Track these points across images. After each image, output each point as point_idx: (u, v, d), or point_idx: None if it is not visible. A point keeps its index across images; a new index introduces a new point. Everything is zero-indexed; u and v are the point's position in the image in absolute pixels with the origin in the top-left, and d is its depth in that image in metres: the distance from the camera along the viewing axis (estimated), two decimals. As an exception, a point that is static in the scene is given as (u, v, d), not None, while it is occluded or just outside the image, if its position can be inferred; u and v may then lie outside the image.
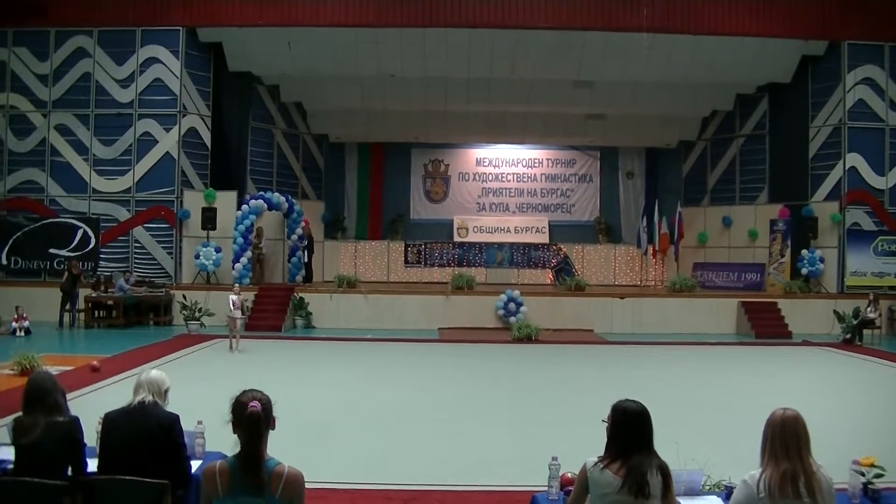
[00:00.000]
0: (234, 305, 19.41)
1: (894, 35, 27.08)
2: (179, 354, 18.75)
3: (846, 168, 27.17)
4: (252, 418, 4.32)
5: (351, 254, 31.97)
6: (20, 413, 5.58)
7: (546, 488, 5.68)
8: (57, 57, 26.99)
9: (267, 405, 4.50)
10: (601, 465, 4.56)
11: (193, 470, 5.90)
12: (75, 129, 26.91)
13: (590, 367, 18.57)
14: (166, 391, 5.82)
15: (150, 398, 5.64)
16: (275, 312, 24.66)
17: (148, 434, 5.49)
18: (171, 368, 15.75)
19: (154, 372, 5.84)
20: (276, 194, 27.47)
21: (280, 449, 10.26)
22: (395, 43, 27.03)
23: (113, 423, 5.57)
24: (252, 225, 26.44)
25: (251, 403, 4.38)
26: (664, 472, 4.53)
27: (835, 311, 25.09)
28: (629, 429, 4.61)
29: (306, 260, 27.68)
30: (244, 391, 4.58)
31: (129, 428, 5.51)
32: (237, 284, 20.57)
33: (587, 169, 35.47)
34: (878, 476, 5.82)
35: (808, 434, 4.62)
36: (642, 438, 4.58)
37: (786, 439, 4.53)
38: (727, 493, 5.68)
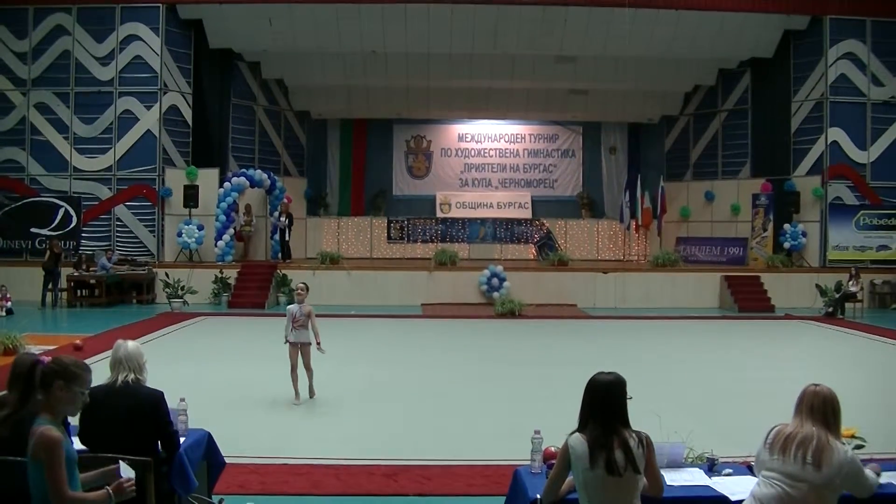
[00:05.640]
0: (294, 321, 11.64)
1: (876, 10, 27.13)
2: (163, 332, 18.71)
3: (828, 142, 27.23)
4: None
5: (334, 230, 31.91)
6: (4, 391, 5.57)
7: (529, 462, 5.70)
8: (36, 35, 26.72)
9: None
10: (579, 436, 4.58)
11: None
12: (55, 107, 26.70)
13: (573, 342, 18.62)
14: (144, 364, 5.85)
15: (132, 376, 5.67)
16: (257, 290, 24.63)
17: (134, 412, 5.51)
18: (154, 346, 15.79)
19: (130, 345, 5.85)
20: (259, 171, 27.42)
21: (265, 423, 10.30)
22: (376, 18, 26.88)
23: (96, 401, 5.55)
24: (235, 202, 26.39)
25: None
26: (625, 445, 4.52)
27: (817, 285, 25.24)
28: (593, 401, 4.64)
29: (287, 238, 27.55)
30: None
31: (115, 407, 5.53)
32: (303, 284, 12.17)
33: (570, 144, 35.45)
34: (859, 447, 5.84)
35: (840, 412, 4.74)
36: (603, 411, 4.59)
37: (812, 404, 4.68)
38: (709, 465, 5.72)
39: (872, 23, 27.22)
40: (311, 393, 11.80)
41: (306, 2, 26.32)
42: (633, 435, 4.57)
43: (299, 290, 11.96)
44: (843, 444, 4.67)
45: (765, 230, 27.87)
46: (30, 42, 26.75)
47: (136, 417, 5.51)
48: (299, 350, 11.60)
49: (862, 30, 27.28)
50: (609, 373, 4.75)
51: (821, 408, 4.64)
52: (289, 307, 11.87)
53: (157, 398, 5.70)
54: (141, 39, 26.65)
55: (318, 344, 11.57)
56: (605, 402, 4.61)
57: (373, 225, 32.25)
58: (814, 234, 27.45)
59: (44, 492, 4.36)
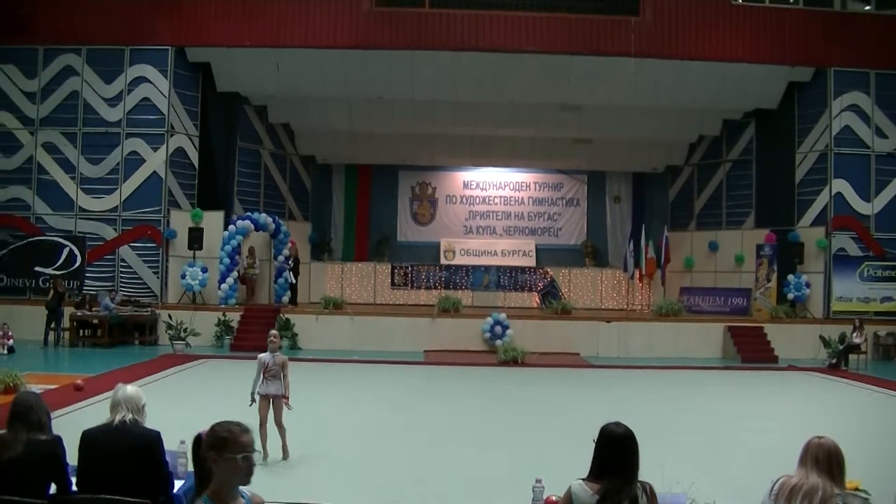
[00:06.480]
0: (265, 371, 10.80)
1: (879, 62, 27.29)
2: (164, 374, 18.64)
3: (832, 194, 27.26)
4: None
5: (337, 275, 31.94)
6: (3, 430, 5.55)
7: (530, 510, 5.66)
8: (45, 75, 26.92)
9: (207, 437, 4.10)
10: (584, 486, 4.55)
11: (176, 489, 5.88)
12: (62, 147, 26.82)
13: (576, 391, 18.54)
14: (144, 406, 5.80)
15: (129, 416, 5.63)
16: (260, 333, 24.50)
17: (131, 452, 5.48)
18: (155, 388, 15.74)
19: (130, 388, 5.82)
20: (263, 215, 27.48)
21: (265, 467, 10.22)
22: (382, 65, 27.06)
23: (94, 441, 5.55)
24: (239, 245, 26.43)
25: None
26: (634, 499, 4.50)
27: (821, 337, 25.16)
28: (612, 452, 4.60)
29: (293, 281, 27.57)
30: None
31: (112, 447, 5.50)
32: (276, 332, 11.71)
33: (574, 193, 35.51)
34: (864, 501, 5.80)
35: (844, 464, 4.75)
36: (624, 463, 4.56)
37: (817, 456, 4.68)
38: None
39: (876, 75, 27.37)
40: (285, 453, 10.74)
41: (313, 47, 26.52)
42: (631, 489, 4.54)
43: (272, 339, 11.06)
44: (850, 495, 4.66)
45: (768, 281, 27.80)
46: (39, 82, 26.93)
47: (132, 457, 5.48)
48: (270, 403, 10.68)
49: (866, 82, 27.42)
50: (619, 424, 4.72)
51: (826, 460, 4.64)
52: (260, 356, 10.89)
53: (154, 438, 5.66)
54: (149, 81, 26.83)
55: (287, 399, 10.74)
56: (623, 455, 4.58)
57: (376, 270, 32.27)
58: (817, 285, 27.39)
59: None
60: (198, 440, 4.11)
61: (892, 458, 11.59)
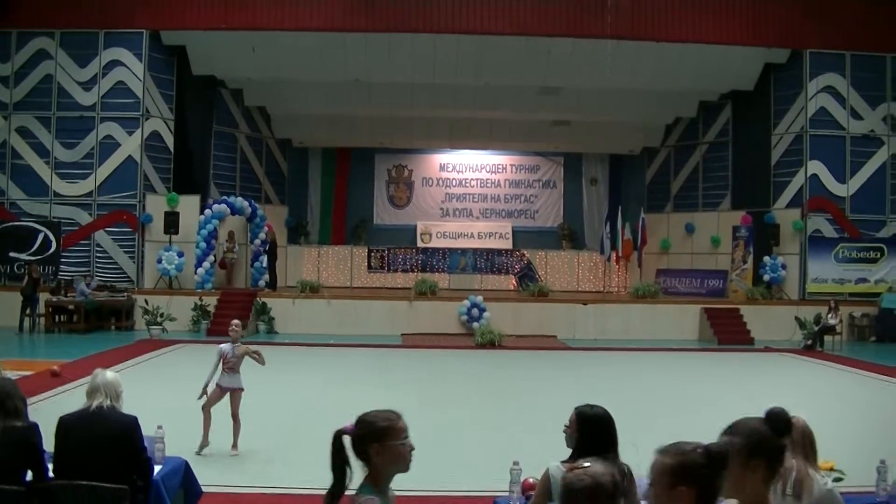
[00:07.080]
0: (224, 363, 10.37)
1: (855, 44, 27.36)
2: (141, 359, 18.60)
3: (808, 175, 27.36)
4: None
5: (314, 259, 31.86)
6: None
7: (507, 493, 5.67)
8: (18, 59, 26.63)
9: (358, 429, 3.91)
10: (563, 469, 4.56)
11: (154, 475, 5.87)
12: (36, 131, 26.57)
13: (553, 373, 18.58)
14: (121, 393, 5.78)
15: (107, 402, 5.60)
16: (237, 317, 24.40)
17: (109, 438, 5.46)
18: (132, 373, 15.67)
19: (109, 374, 5.79)
20: (240, 199, 27.39)
21: (243, 451, 10.17)
22: (360, 48, 26.96)
23: (71, 427, 5.52)
24: (215, 229, 26.32)
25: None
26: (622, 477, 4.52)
27: (796, 318, 25.32)
28: (592, 434, 4.62)
29: (265, 265, 27.48)
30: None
31: (89, 432, 5.48)
32: (238, 321, 11.08)
33: (551, 175, 35.50)
34: (838, 480, 5.84)
35: (815, 442, 4.80)
36: (604, 443, 4.58)
37: (794, 438, 4.64)
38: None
39: (852, 56, 27.45)
40: (235, 447, 10.18)
41: (290, 30, 26.34)
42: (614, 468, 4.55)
43: (234, 328, 10.67)
44: (822, 476, 4.67)
45: (745, 262, 27.88)
46: (12, 66, 26.64)
47: (109, 443, 5.46)
48: (227, 396, 10.24)
49: (841, 63, 27.50)
50: (593, 406, 4.74)
51: (799, 440, 4.65)
52: (220, 346, 10.42)
53: (131, 423, 5.64)
54: (124, 65, 26.59)
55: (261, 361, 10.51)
56: (609, 434, 4.61)
57: (353, 254, 32.20)
58: (793, 266, 27.53)
59: None
60: (340, 435, 3.89)
61: (867, 438, 11.67)
